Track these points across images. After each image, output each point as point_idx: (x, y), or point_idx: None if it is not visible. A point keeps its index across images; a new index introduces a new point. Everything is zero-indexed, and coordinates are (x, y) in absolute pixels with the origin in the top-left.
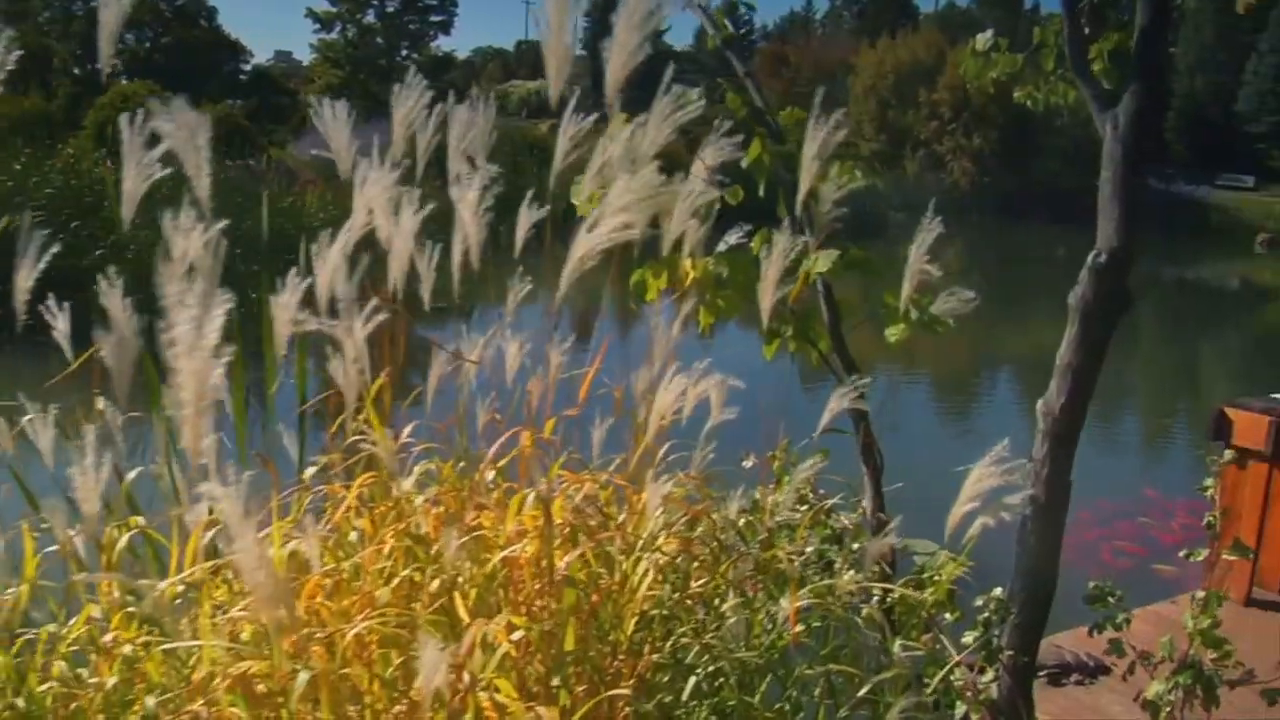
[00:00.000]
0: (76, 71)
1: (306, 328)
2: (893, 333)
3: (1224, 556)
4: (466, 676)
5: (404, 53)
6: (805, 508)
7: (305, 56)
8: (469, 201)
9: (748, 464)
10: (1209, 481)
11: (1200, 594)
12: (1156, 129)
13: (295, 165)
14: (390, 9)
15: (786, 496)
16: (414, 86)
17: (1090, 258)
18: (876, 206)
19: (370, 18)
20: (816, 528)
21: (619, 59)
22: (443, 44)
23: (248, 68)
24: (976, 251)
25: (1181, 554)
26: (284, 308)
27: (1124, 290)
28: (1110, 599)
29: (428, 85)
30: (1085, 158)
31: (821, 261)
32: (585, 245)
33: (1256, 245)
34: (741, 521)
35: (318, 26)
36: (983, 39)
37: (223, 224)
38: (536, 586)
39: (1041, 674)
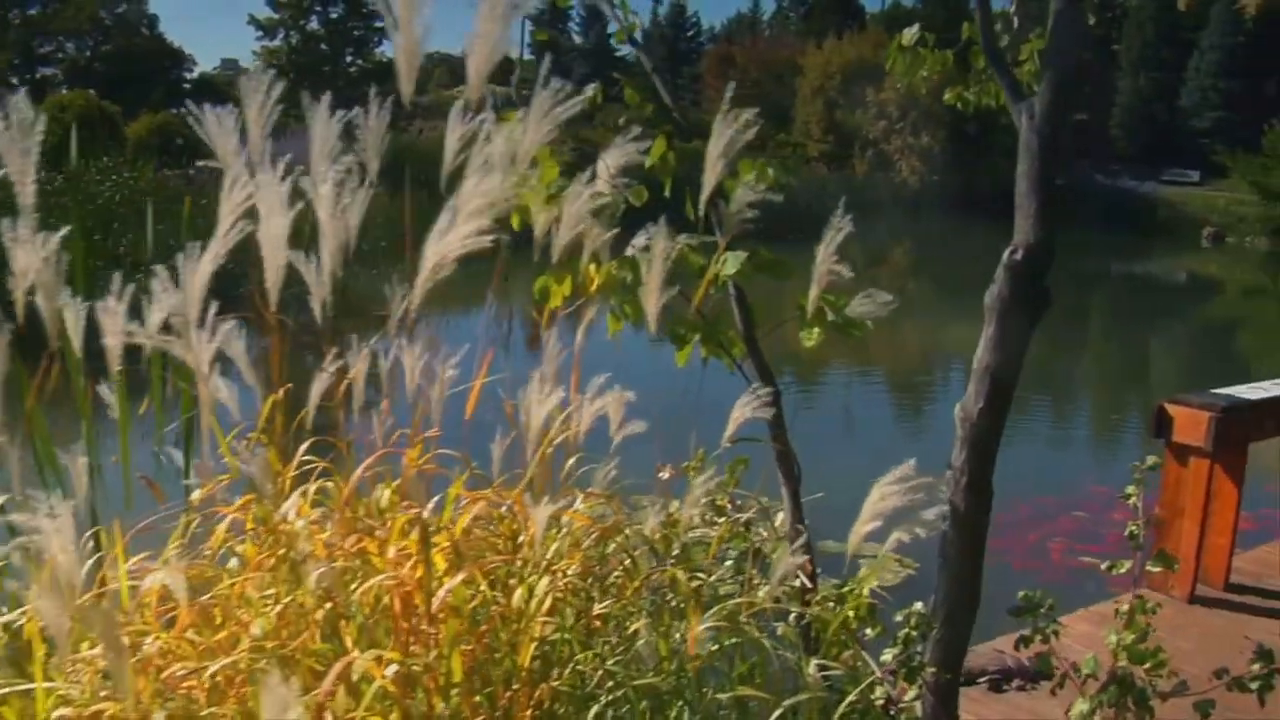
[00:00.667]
0: (14, 81)
1: (139, 340)
2: (807, 337)
3: (1147, 568)
4: (330, 717)
5: (348, 59)
6: (723, 520)
7: (252, 64)
8: (324, 200)
9: (664, 475)
10: (1130, 489)
11: (1124, 607)
12: (1102, 125)
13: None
14: (334, 15)
15: (695, 509)
16: (260, 81)
17: (1006, 254)
18: (824, 206)
19: (314, 24)
20: (734, 540)
21: (482, 51)
22: (388, 50)
23: (191, 76)
24: (925, 249)
25: (1103, 566)
26: (111, 317)
27: (1043, 288)
28: (1040, 609)
29: (376, 91)
30: None
31: (729, 264)
32: (437, 253)
33: (1203, 239)
34: (657, 537)
35: (261, 33)
36: (909, 34)
37: (61, 234)
38: (420, 614)
39: (982, 680)
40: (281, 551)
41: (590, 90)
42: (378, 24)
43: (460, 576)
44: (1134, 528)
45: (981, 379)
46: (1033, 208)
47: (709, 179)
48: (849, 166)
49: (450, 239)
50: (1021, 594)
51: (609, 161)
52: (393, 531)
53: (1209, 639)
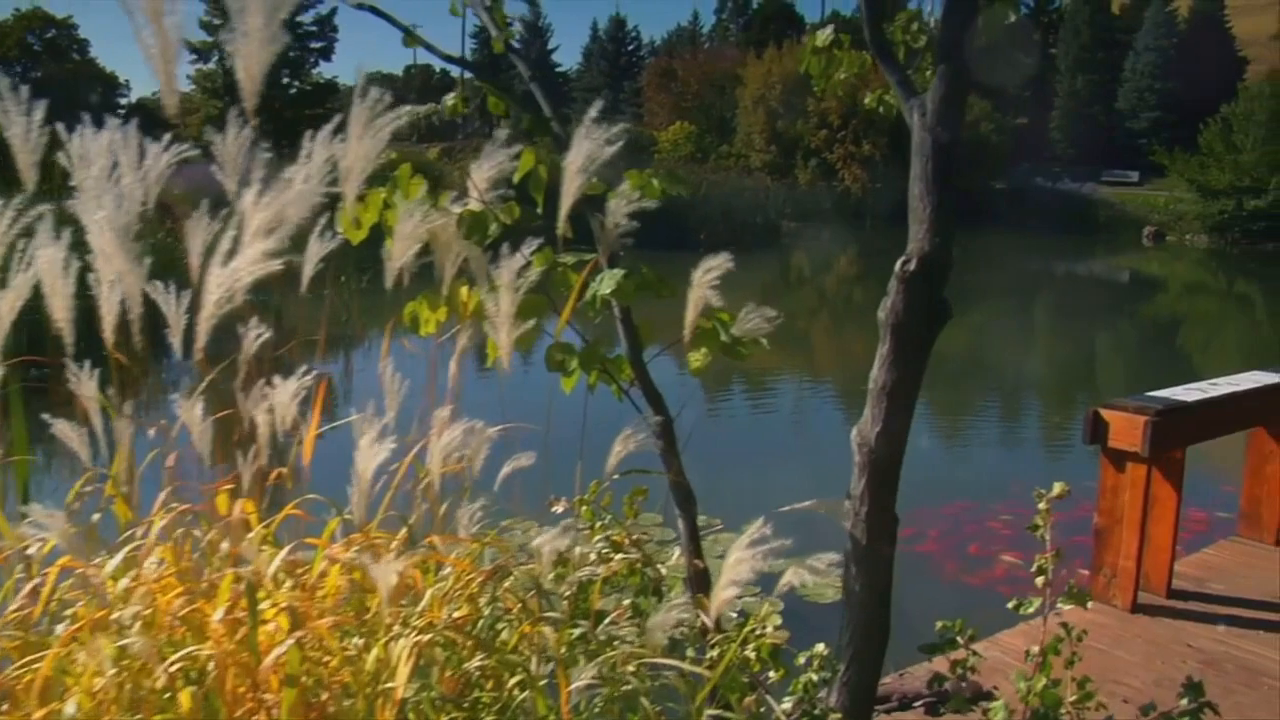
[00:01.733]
0: None
1: None
2: (695, 358)
3: (1060, 605)
4: None
5: (285, 80)
6: (620, 557)
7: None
8: (101, 227)
9: (558, 509)
10: (1038, 520)
11: (1035, 648)
12: (1041, 128)
13: (170, 200)
14: None
15: (585, 546)
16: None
17: (899, 264)
18: (769, 216)
19: None
20: (631, 578)
21: (249, 51)
22: (325, 70)
23: (126, 101)
24: (871, 256)
25: (1010, 605)
26: None
27: (941, 300)
28: (957, 643)
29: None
30: (972, 159)
31: (606, 283)
32: (222, 282)
33: (1143, 238)
34: (549, 579)
35: (195, 57)
36: (822, 35)
37: None
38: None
39: (918, 704)
40: (98, 616)
41: (450, 100)
42: (313, 44)
43: (290, 640)
44: (1042, 562)
45: (878, 400)
46: (927, 213)
47: (567, 194)
48: (792, 176)
49: (238, 264)
50: (939, 625)
51: (478, 175)
52: (221, 590)
53: (1153, 649)
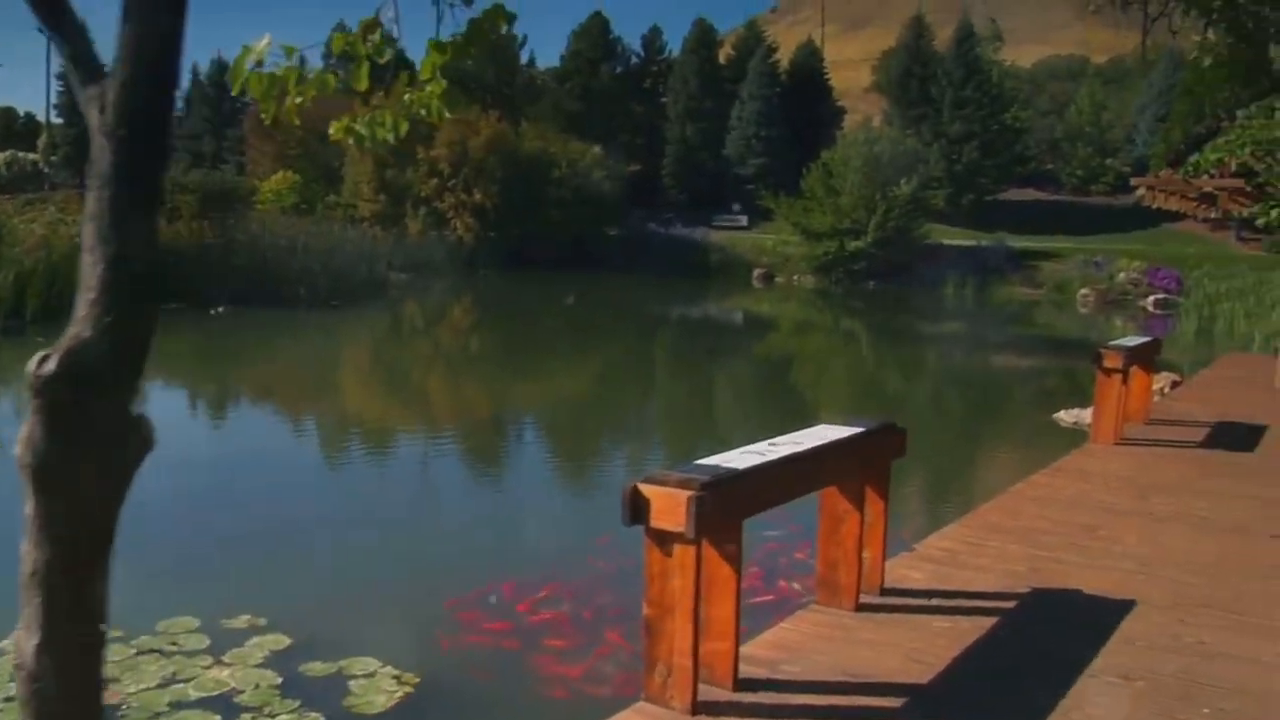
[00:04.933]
0: None
1: None
2: None
3: None
4: None
5: None
6: None
7: None
8: None
9: None
10: None
11: None
12: (654, 174)
13: None
14: None
15: None
16: None
17: (32, 364)
18: (375, 268)
19: None
20: None
21: None
22: None
23: None
24: (486, 305)
25: None
26: None
27: (130, 418)
28: None
29: None
30: (585, 205)
31: None
32: None
33: (754, 280)
34: None
35: None
36: (260, 46)
37: None
38: None
39: None
40: None
41: None
42: None
43: None
44: None
45: (32, 593)
46: (98, 274)
47: None
48: (402, 225)
49: None
50: None
51: None
52: None
53: None
